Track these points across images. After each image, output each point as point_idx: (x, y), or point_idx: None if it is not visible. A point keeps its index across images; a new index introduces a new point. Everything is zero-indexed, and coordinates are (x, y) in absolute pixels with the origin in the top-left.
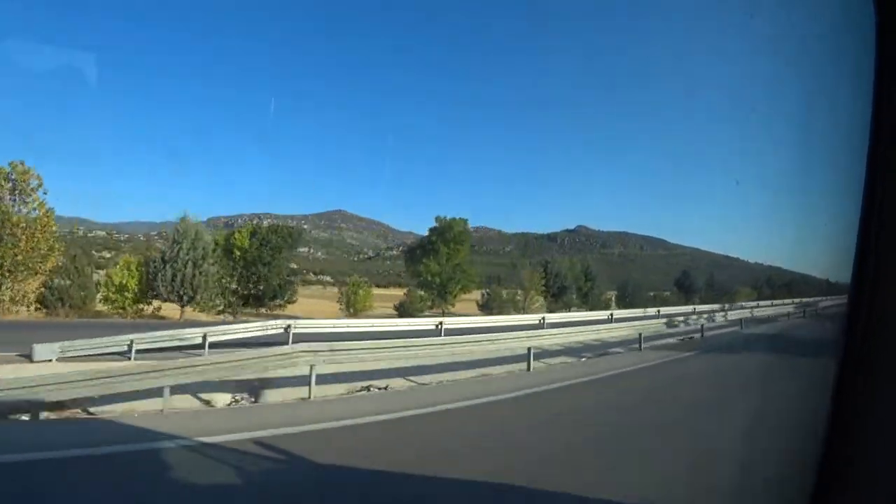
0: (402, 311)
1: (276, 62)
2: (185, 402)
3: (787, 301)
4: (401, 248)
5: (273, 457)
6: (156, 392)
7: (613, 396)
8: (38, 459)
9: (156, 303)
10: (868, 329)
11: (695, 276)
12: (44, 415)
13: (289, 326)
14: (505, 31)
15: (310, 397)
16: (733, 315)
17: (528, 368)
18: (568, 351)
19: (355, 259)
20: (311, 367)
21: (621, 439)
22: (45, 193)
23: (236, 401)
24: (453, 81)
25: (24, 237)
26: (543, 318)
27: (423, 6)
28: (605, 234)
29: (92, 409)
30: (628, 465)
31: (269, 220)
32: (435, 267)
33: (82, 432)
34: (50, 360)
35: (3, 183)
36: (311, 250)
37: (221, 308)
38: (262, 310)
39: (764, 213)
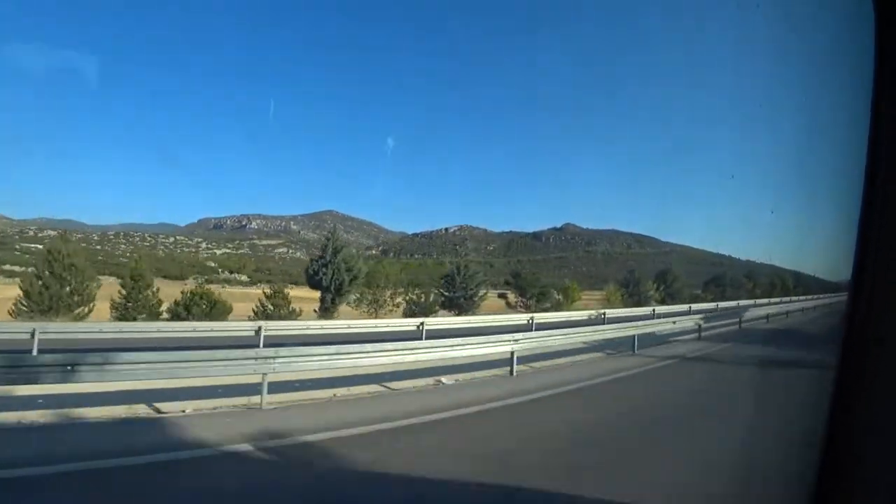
0: None
1: (265, 64)
2: None
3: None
4: (380, 248)
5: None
6: None
7: None
8: None
9: None
10: (867, 328)
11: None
12: None
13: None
14: (493, 30)
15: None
16: None
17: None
18: None
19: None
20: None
21: None
22: None
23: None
24: (443, 82)
25: None
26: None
27: (410, 7)
28: (592, 233)
29: None
30: None
31: (257, 222)
32: None
33: None
34: None
35: None
36: (289, 251)
37: None
38: None
39: (758, 211)
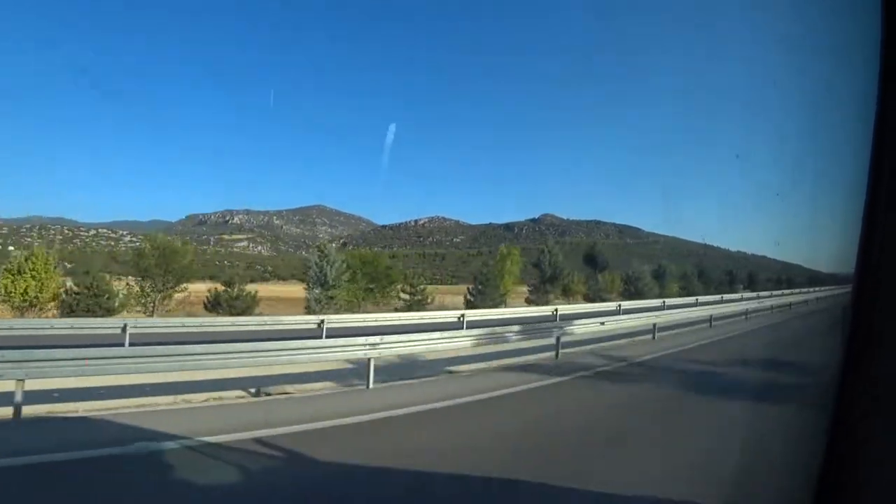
0: None
1: (256, 62)
2: None
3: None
4: (341, 242)
5: None
6: None
7: None
8: None
9: None
10: (871, 322)
11: None
12: None
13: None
14: (476, 19)
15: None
16: None
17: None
18: None
19: (304, 253)
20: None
21: None
22: None
23: None
24: (428, 76)
25: None
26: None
27: (399, 7)
28: (571, 223)
29: None
30: None
31: (240, 217)
32: None
33: None
34: None
35: None
36: (249, 245)
37: None
38: None
39: (753, 204)
